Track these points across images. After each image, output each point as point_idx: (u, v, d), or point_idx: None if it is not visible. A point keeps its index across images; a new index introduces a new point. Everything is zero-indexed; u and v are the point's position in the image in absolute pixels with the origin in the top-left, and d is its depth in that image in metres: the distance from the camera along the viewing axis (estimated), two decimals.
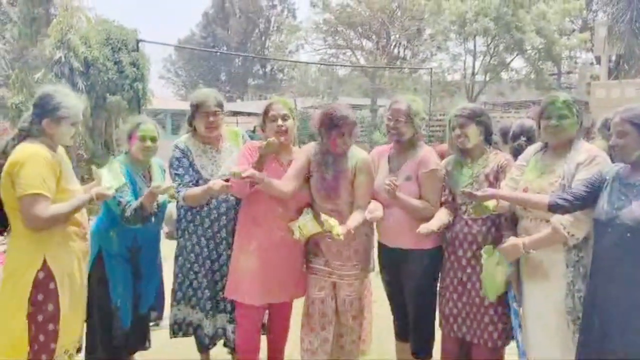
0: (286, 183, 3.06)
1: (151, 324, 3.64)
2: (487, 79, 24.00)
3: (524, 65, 24.34)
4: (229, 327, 3.28)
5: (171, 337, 3.43)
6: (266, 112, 3.18)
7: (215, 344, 3.42)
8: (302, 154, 3.19)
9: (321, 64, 27.25)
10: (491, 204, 2.65)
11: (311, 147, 3.22)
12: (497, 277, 2.71)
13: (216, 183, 3.03)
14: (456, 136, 3.01)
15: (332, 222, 2.94)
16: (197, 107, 3.27)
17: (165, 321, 3.70)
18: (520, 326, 2.81)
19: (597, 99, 22.99)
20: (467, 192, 2.65)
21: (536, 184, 2.68)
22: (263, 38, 49.26)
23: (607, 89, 23.45)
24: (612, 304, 2.35)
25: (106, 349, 3.20)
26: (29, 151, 2.48)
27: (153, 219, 3.18)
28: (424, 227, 2.84)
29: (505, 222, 2.84)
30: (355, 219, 3.02)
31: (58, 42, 11.99)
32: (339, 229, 2.89)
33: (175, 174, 3.25)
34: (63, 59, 11.77)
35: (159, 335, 3.67)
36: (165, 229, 3.51)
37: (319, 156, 3.09)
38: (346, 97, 27.33)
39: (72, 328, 2.67)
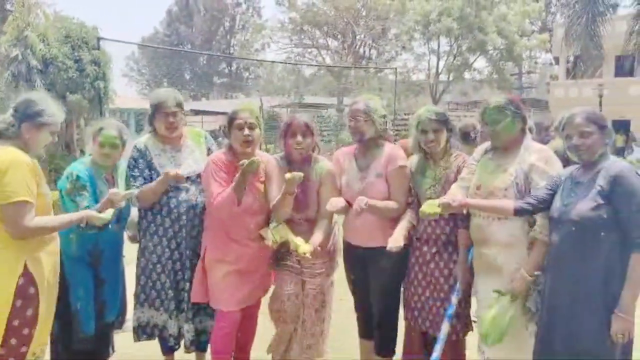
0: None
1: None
2: (451, 78, 24.43)
3: (486, 65, 24.90)
4: (186, 327, 3.24)
5: (135, 341, 3.38)
6: (232, 119, 3.11)
7: (179, 345, 3.37)
8: (275, 172, 3.15)
9: (288, 63, 27.23)
10: (439, 208, 2.67)
11: (274, 160, 3.20)
12: (506, 319, 2.61)
13: (171, 170, 3.02)
14: (429, 140, 3.03)
15: (298, 241, 2.97)
16: (156, 108, 3.23)
17: (128, 324, 3.64)
18: (449, 316, 2.87)
19: (556, 98, 23.72)
20: (444, 203, 2.65)
21: (489, 183, 2.75)
22: (228, 36, 48.93)
23: (565, 89, 24.20)
24: (558, 297, 2.46)
25: (68, 354, 3.13)
26: (10, 156, 2.41)
27: (111, 225, 3.10)
28: (393, 244, 2.87)
29: (460, 221, 2.92)
30: (318, 233, 3.06)
31: (14, 40, 11.60)
32: (305, 248, 2.92)
33: (131, 175, 3.22)
34: (20, 57, 11.38)
35: (123, 338, 3.60)
36: (128, 232, 3.44)
37: (285, 169, 3.06)
38: (312, 97, 27.43)
39: (45, 332, 2.63)
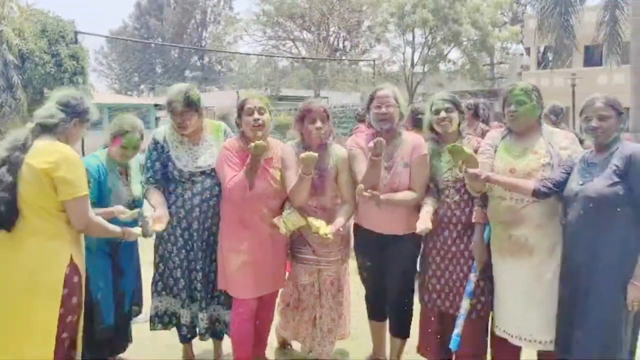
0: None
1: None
2: (426, 70, 24.66)
3: (460, 56, 25.19)
4: (200, 315, 3.30)
5: (151, 329, 3.43)
6: (242, 106, 3.19)
7: (194, 334, 3.43)
8: (291, 158, 3.20)
9: (263, 55, 27.10)
10: (467, 149, 2.77)
11: (290, 147, 3.26)
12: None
13: (133, 232, 3.00)
14: (441, 119, 3.12)
15: (318, 223, 3.03)
16: (167, 106, 3.27)
17: (141, 315, 3.68)
18: (469, 293, 2.98)
19: None
20: (472, 174, 2.74)
21: (524, 165, 2.85)
22: (200, 29, 48.33)
23: (537, 79, 24.65)
24: (576, 270, 2.61)
25: (88, 345, 3.15)
26: (68, 151, 2.50)
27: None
28: (423, 226, 2.94)
29: (478, 199, 3.01)
30: (342, 216, 3.14)
31: None
32: (326, 229, 2.99)
33: (145, 165, 3.32)
34: None
35: (138, 329, 3.64)
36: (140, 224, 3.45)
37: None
38: (288, 89, 27.38)
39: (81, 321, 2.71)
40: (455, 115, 3.13)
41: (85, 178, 2.56)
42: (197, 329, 3.39)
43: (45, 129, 2.55)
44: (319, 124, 3.14)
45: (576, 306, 2.61)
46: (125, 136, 3.23)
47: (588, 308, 2.56)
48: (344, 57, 28.60)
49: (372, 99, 3.25)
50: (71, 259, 2.51)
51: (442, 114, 3.10)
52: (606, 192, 2.50)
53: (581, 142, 2.89)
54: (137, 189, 3.37)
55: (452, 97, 3.17)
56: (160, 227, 3.10)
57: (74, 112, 2.63)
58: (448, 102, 3.12)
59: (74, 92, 2.77)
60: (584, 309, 2.58)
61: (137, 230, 2.93)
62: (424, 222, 2.96)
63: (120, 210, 3.00)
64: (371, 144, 2.94)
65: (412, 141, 3.21)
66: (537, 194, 2.71)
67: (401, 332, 3.38)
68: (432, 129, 3.21)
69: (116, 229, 2.79)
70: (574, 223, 2.62)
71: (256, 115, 3.12)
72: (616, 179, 2.50)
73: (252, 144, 2.94)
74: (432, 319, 3.21)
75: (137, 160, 3.45)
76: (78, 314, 2.60)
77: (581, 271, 2.59)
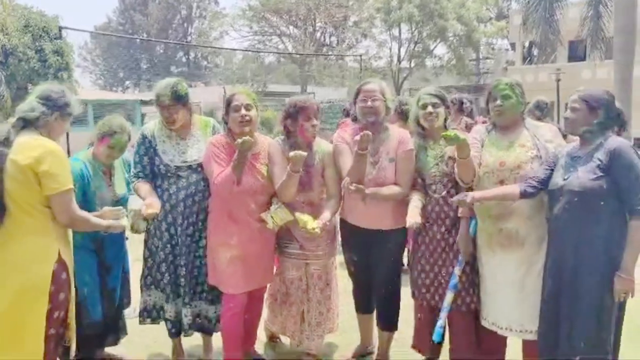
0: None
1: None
2: (412, 65, 24.78)
3: (446, 51, 25.34)
4: (184, 311, 3.31)
5: (140, 324, 3.44)
6: (229, 102, 3.20)
7: (179, 329, 3.42)
8: (278, 154, 3.21)
9: (250, 51, 26.98)
10: (461, 135, 2.80)
11: (277, 143, 3.27)
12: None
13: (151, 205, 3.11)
14: (428, 113, 3.14)
15: (305, 218, 3.06)
16: (155, 100, 3.28)
17: (129, 310, 3.68)
18: (453, 286, 3.03)
19: None
20: (460, 200, 2.81)
21: (513, 157, 2.89)
22: (185, 24, 47.97)
23: (522, 74, 24.88)
24: (562, 262, 2.66)
25: (77, 339, 3.16)
26: (52, 145, 2.48)
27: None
28: (412, 220, 2.97)
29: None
30: (328, 211, 3.18)
31: None
32: (313, 224, 3.03)
33: (133, 160, 3.34)
34: None
35: (127, 324, 3.63)
36: (128, 220, 3.44)
37: (289, 151, 3.09)
38: (275, 85, 27.32)
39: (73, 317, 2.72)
40: (441, 110, 3.15)
41: (70, 172, 2.54)
42: (176, 324, 3.39)
43: (27, 124, 2.53)
44: (314, 121, 3.17)
45: (562, 299, 2.66)
46: (113, 137, 3.24)
47: (574, 301, 2.61)
48: (330, 53, 28.58)
49: (358, 92, 3.26)
50: (59, 255, 2.51)
51: (429, 108, 3.12)
52: (590, 185, 2.55)
53: (565, 136, 2.94)
54: (120, 188, 3.37)
55: (438, 92, 3.20)
56: (153, 211, 3.09)
57: (55, 106, 2.60)
58: (435, 97, 3.15)
59: (56, 86, 2.74)
60: (570, 302, 2.62)
61: (121, 222, 2.91)
62: (413, 217, 2.99)
63: (107, 212, 2.95)
64: (357, 138, 2.96)
65: (398, 136, 3.23)
66: (524, 195, 2.75)
67: (388, 325, 3.41)
68: (418, 124, 3.23)
69: (101, 222, 2.79)
70: (559, 217, 2.66)
71: (243, 112, 3.12)
72: (600, 173, 2.54)
73: (239, 140, 2.96)
74: (424, 313, 3.24)
75: (120, 158, 3.45)
76: (66, 310, 2.59)
77: (566, 265, 2.64)
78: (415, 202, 3.10)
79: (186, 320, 3.33)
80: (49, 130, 2.59)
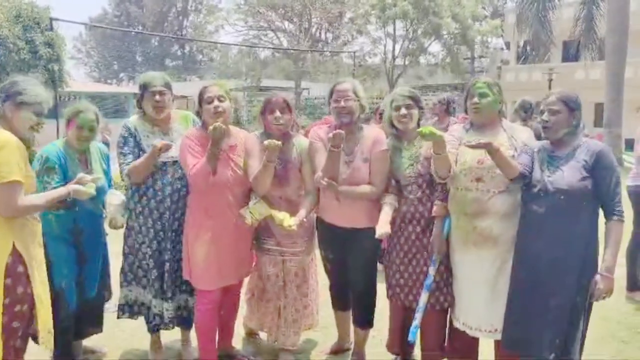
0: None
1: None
2: (407, 62, 24.78)
3: (440, 49, 25.37)
4: (165, 305, 3.32)
5: (118, 318, 3.45)
6: (201, 94, 3.20)
7: (164, 324, 3.43)
8: (255, 147, 3.21)
9: (245, 45, 26.92)
10: (438, 131, 2.79)
11: (254, 137, 3.28)
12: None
13: (158, 143, 3.10)
14: (401, 115, 3.14)
15: (281, 215, 3.06)
16: (144, 88, 3.27)
17: (107, 304, 3.69)
18: (428, 286, 3.04)
19: (507, 82, 24.44)
20: (475, 144, 2.69)
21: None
22: (180, 18, 47.81)
23: (516, 73, 24.98)
24: (539, 258, 2.68)
25: (55, 332, 3.16)
26: (2, 136, 2.44)
27: (85, 203, 3.08)
28: (381, 231, 2.99)
29: (439, 193, 3.06)
30: (305, 208, 3.19)
31: None
32: (290, 221, 3.04)
33: (120, 152, 3.28)
34: None
35: (106, 318, 3.65)
36: (107, 215, 3.43)
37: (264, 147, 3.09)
38: (269, 80, 27.28)
39: (48, 312, 2.67)
40: (415, 111, 3.16)
41: (17, 165, 2.45)
42: (162, 319, 3.39)
43: None
44: (277, 114, 3.16)
45: (535, 295, 2.67)
46: (79, 116, 3.19)
47: (548, 298, 2.63)
48: (325, 49, 28.55)
49: (332, 92, 3.26)
50: (13, 247, 2.47)
51: (402, 110, 3.13)
52: (578, 185, 2.59)
53: (539, 138, 2.95)
54: (99, 178, 3.27)
55: (412, 93, 3.20)
56: (165, 145, 3.10)
57: (5, 96, 2.57)
58: (408, 99, 3.15)
59: (16, 77, 2.71)
60: (544, 298, 2.64)
61: (86, 188, 2.81)
62: (382, 227, 3.00)
63: (80, 176, 2.89)
64: (330, 135, 2.97)
65: (373, 136, 3.23)
66: (521, 175, 2.74)
67: (363, 323, 3.42)
68: (392, 125, 3.23)
69: (59, 192, 2.72)
70: (539, 212, 2.67)
71: (216, 103, 3.12)
72: (585, 174, 2.59)
73: (211, 127, 2.97)
74: (398, 313, 3.26)
75: (96, 148, 3.43)
76: (30, 304, 2.55)
77: (543, 260, 2.65)
78: (387, 209, 3.11)
79: (167, 314, 3.33)
80: (8, 122, 2.57)
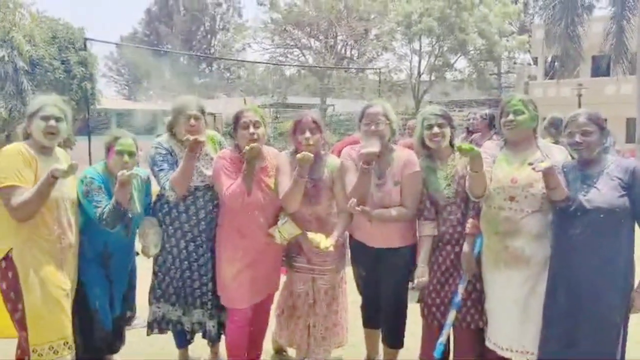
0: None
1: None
2: (432, 78, 24.72)
3: (466, 65, 25.24)
4: (209, 323, 3.36)
5: (148, 334, 3.48)
6: (237, 118, 3.21)
7: (193, 340, 3.50)
8: (286, 165, 3.24)
9: (271, 64, 27.25)
10: (475, 148, 2.78)
11: (285, 155, 3.30)
12: None
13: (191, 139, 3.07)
14: (434, 134, 3.12)
15: (318, 238, 3.07)
16: (179, 111, 3.27)
17: (137, 321, 3.74)
18: (457, 304, 3.02)
19: (535, 98, 23.93)
20: (537, 169, 2.62)
21: (525, 175, 2.83)
22: (209, 36, 48.63)
23: (544, 89, 24.66)
24: (581, 279, 2.64)
25: (88, 350, 3.21)
26: (6, 148, 2.76)
27: (119, 229, 3.12)
28: (421, 281, 3.09)
29: (472, 211, 3.04)
30: (340, 227, 3.21)
31: (0, 41, 11.52)
32: (326, 242, 3.05)
33: (160, 170, 3.24)
34: (7, 58, 11.31)
35: (133, 334, 3.70)
36: (141, 242, 3.45)
37: (296, 164, 3.09)
38: (295, 97, 27.52)
39: (51, 324, 2.77)
40: (447, 130, 3.14)
41: (15, 171, 2.70)
42: (200, 334, 3.43)
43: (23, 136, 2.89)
44: (307, 134, 3.16)
45: (581, 319, 2.64)
46: (117, 141, 3.19)
47: (595, 321, 2.61)
48: (350, 66, 28.69)
49: (362, 115, 3.25)
50: (8, 254, 2.67)
51: (435, 129, 3.10)
52: (617, 203, 2.58)
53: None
54: (136, 205, 3.28)
55: (443, 111, 3.18)
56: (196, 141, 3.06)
57: (27, 116, 2.92)
58: (440, 117, 3.12)
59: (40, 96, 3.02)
60: (591, 321, 2.61)
61: (61, 165, 2.79)
62: (422, 274, 3.10)
63: (120, 173, 2.92)
64: (363, 152, 2.99)
65: (404, 158, 3.20)
66: (567, 199, 2.69)
67: (394, 342, 3.40)
68: (423, 145, 3.20)
69: (42, 180, 2.74)
70: (577, 233, 2.64)
71: (252, 130, 3.13)
72: (622, 192, 2.59)
73: (247, 147, 3.00)
74: (432, 332, 3.19)
75: (137, 180, 3.36)
76: (21, 311, 2.73)
77: (586, 283, 2.63)
78: (425, 249, 3.13)
79: (195, 328, 3.39)
80: (32, 137, 2.88)
